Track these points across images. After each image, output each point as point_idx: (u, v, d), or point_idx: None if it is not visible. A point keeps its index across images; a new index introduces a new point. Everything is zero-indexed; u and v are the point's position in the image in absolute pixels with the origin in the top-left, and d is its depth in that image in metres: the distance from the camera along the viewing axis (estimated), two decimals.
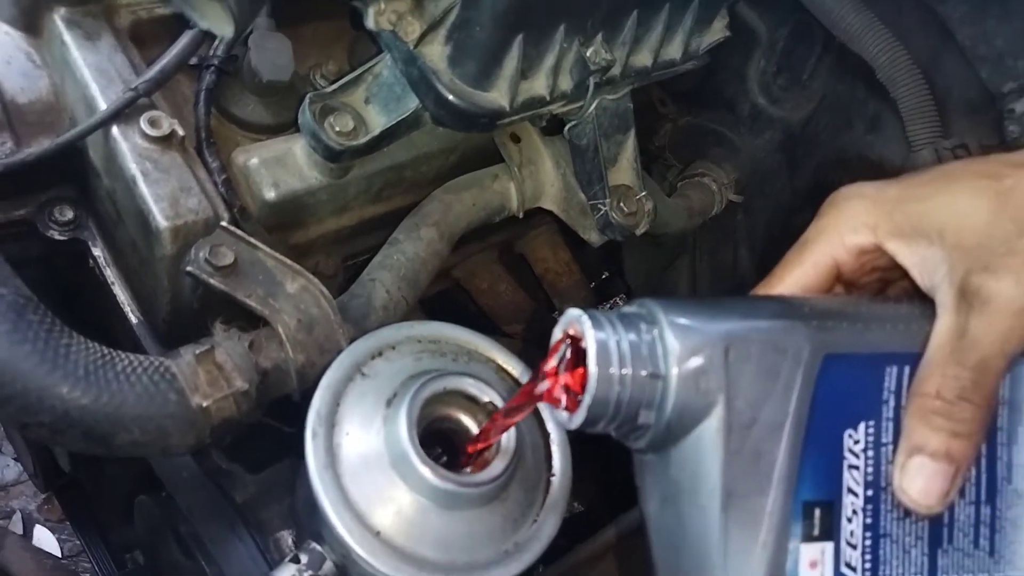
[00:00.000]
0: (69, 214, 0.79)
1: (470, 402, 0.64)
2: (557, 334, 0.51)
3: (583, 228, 0.90)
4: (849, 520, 0.49)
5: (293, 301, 0.70)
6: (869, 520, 0.50)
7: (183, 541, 0.73)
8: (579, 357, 0.48)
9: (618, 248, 1.38)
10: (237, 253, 0.69)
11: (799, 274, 0.56)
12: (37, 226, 0.78)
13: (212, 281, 0.67)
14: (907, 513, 0.50)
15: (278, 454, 0.82)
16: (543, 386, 0.51)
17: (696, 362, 0.47)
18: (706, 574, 0.48)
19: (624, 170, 0.89)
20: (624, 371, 0.47)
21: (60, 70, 0.77)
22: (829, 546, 0.49)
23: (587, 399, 0.47)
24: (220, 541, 0.71)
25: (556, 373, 0.50)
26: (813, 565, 0.48)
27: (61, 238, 0.79)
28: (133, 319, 0.79)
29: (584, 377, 0.47)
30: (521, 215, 0.91)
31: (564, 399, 0.50)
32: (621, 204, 0.87)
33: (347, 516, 0.58)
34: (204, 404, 0.64)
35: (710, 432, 0.47)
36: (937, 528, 0.51)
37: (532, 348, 1.17)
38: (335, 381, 0.64)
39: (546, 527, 0.63)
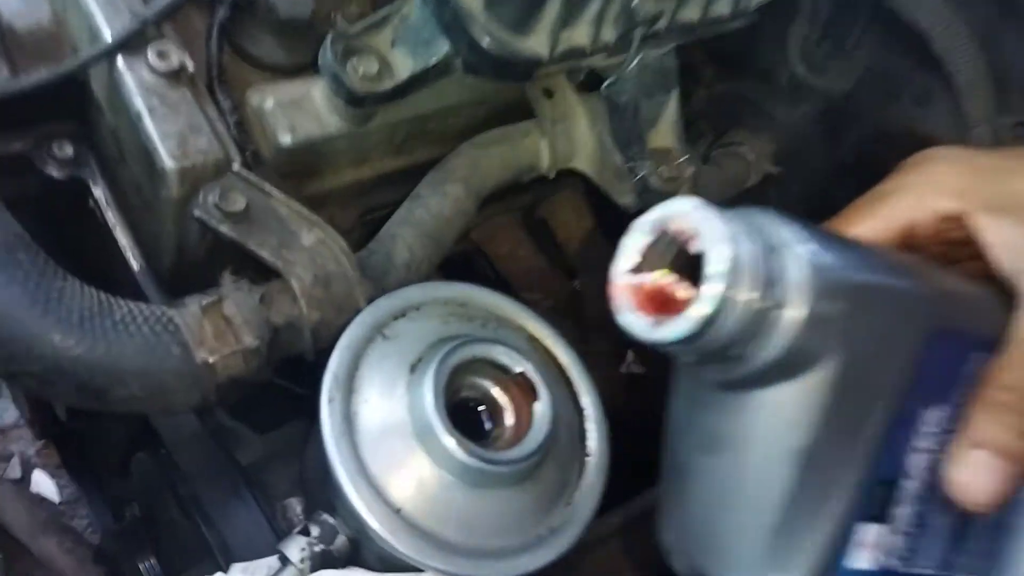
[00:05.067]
0: (69, 151, 0.73)
1: (500, 372, 0.59)
2: (649, 224, 0.44)
3: (617, 192, 0.84)
4: (903, 504, 0.46)
5: (309, 254, 0.65)
6: (919, 508, 0.46)
7: (182, 502, 0.69)
8: (675, 260, 0.42)
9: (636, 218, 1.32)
10: (249, 199, 0.64)
11: (871, 225, 0.51)
12: (34, 162, 0.72)
13: (221, 228, 0.62)
14: (953, 506, 0.46)
15: (287, 415, 0.77)
16: (629, 279, 0.43)
17: (824, 305, 0.41)
18: (753, 530, 0.44)
19: (665, 132, 0.83)
20: (742, 295, 0.40)
21: None
22: (881, 529, 0.45)
23: (698, 312, 0.40)
24: (222, 505, 0.66)
25: (647, 271, 0.43)
26: (863, 545, 0.45)
27: (59, 176, 0.73)
28: (135, 266, 0.73)
29: (687, 287, 0.41)
30: (552, 175, 0.86)
31: (650, 305, 0.42)
32: (660, 168, 0.81)
33: (365, 489, 0.53)
34: (210, 360, 0.58)
35: (814, 385, 0.41)
36: (960, 525, 0.48)
37: (551, 317, 1.12)
38: (355, 341, 0.59)
39: (581, 511, 0.58)
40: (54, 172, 0.73)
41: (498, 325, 0.64)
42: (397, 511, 0.53)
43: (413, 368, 0.57)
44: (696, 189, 0.86)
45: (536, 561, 0.55)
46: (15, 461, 2.03)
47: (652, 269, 0.43)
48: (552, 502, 0.58)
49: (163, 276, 0.73)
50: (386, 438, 0.55)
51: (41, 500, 0.94)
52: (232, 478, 0.68)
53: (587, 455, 0.61)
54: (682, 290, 0.41)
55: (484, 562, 0.53)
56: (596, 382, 0.65)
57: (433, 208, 0.75)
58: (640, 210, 0.88)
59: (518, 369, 0.58)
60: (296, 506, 0.69)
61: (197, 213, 0.62)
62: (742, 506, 0.44)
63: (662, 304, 0.42)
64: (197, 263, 0.69)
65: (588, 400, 0.63)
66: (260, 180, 0.65)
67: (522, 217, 1.11)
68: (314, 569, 0.57)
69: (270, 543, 0.63)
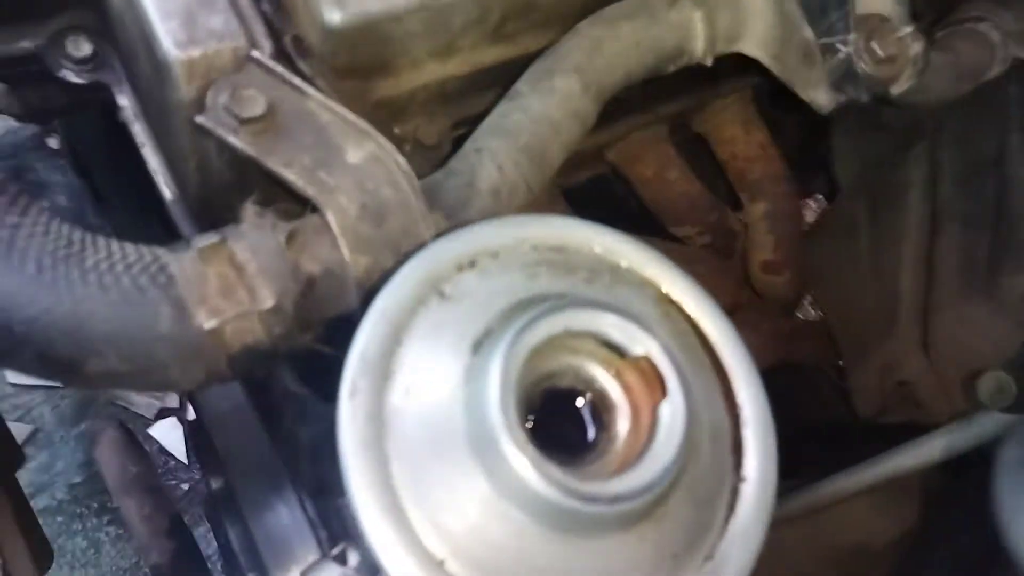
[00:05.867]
0: (86, 48, 0.59)
1: (611, 353, 0.39)
2: None
3: (804, 83, 0.60)
4: None
5: (356, 176, 0.47)
6: None
7: (214, 500, 0.55)
8: None
9: (821, 132, 1.06)
10: (274, 100, 0.47)
11: None
12: (47, 63, 0.58)
13: (233, 140, 0.46)
14: None
15: None
16: None
17: None
18: None
19: None
20: None
21: None
22: None
23: None
24: (256, 499, 0.52)
25: None
26: None
27: (78, 80, 0.59)
28: (167, 194, 0.59)
29: None
30: (709, 63, 0.62)
31: None
32: (873, 44, 0.56)
33: (391, 528, 0.36)
34: (211, 325, 0.43)
35: None
36: None
37: (708, 257, 0.90)
38: (397, 304, 0.41)
39: (728, 568, 0.38)
40: (70, 76, 0.59)
41: (612, 280, 0.43)
42: (439, 563, 0.36)
43: (477, 346, 0.38)
44: (922, 77, 0.60)
45: None
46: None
47: None
48: (683, 556, 0.38)
49: (193, 207, 0.58)
50: (431, 450, 0.37)
51: (139, 455, 0.87)
52: (274, 470, 0.53)
53: (742, 480, 0.40)
54: None
55: None
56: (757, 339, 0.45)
57: (535, 111, 0.55)
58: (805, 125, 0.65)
59: (638, 349, 0.38)
60: None
61: (200, 119, 0.46)
62: None
63: None
64: (226, 190, 0.53)
65: (748, 394, 0.42)
66: (289, 73, 0.47)
67: (672, 131, 0.90)
68: None
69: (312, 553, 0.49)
